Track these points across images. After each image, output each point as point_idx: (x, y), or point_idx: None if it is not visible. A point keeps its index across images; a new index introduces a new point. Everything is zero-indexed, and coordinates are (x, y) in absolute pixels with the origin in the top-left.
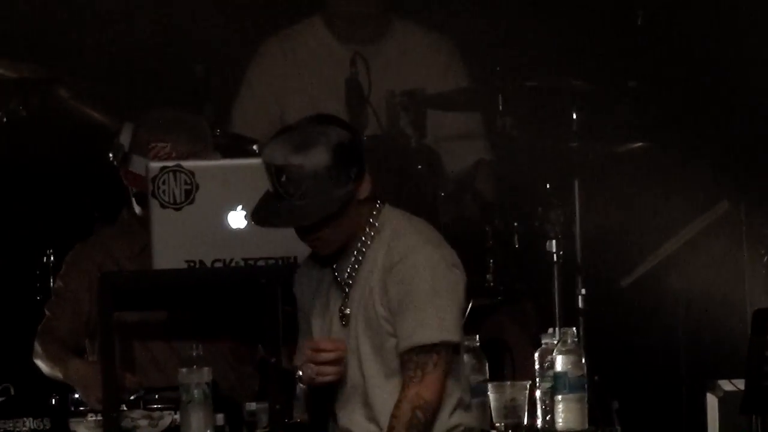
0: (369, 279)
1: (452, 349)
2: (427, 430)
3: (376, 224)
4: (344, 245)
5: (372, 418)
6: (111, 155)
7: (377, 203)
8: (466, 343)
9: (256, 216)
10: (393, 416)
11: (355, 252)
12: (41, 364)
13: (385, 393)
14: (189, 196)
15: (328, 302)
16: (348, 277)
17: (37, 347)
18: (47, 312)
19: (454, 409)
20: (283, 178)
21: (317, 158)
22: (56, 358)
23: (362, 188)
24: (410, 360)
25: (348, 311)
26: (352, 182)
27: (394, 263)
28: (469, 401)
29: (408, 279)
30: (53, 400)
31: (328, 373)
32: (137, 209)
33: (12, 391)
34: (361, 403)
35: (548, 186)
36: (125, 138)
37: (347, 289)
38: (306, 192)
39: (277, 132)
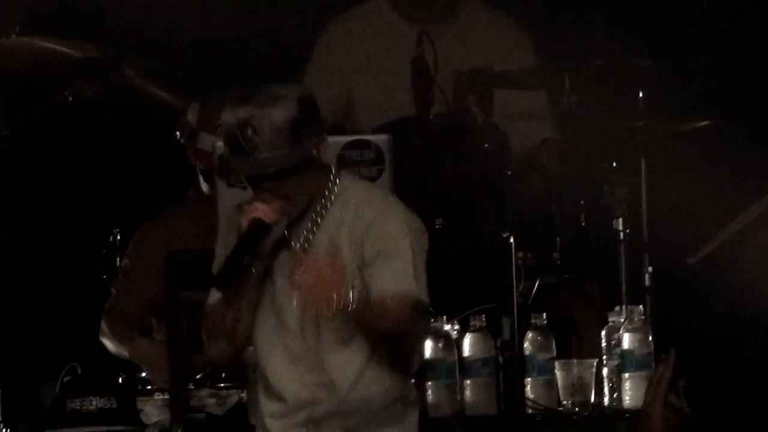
0: (334, 239)
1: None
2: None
3: (336, 188)
4: (300, 208)
5: (324, 385)
6: (178, 133)
7: (333, 168)
8: (533, 321)
9: (219, 171)
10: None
11: (314, 215)
12: (108, 343)
13: (341, 358)
14: None
15: (273, 264)
16: (305, 240)
17: (104, 326)
18: (114, 291)
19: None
20: (249, 131)
21: (282, 111)
22: (123, 337)
23: (322, 149)
24: (383, 313)
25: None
26: (315, 138)
27: (370, 220)
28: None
29: (388, 232)
30: (120, 379)
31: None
32: (204, 187)
33: (79, 370)
34: (314, 369)
35: (615, 164)
36: (192, 116)
37: (310, 236)
38: (270, 145)
39: (232, 95)
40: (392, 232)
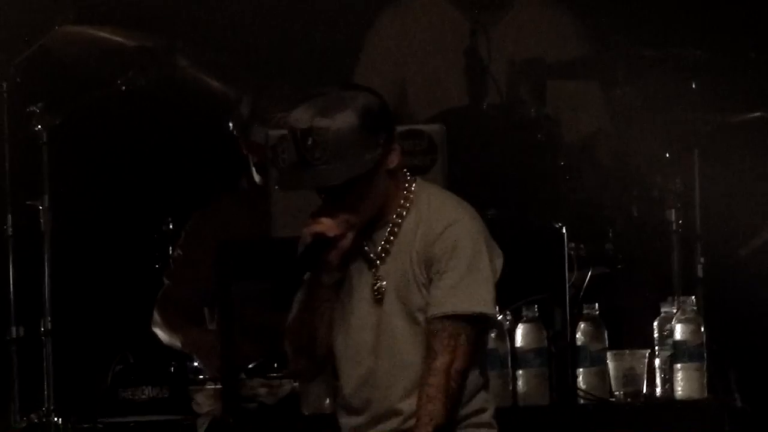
0: (407, 250)
1: (484, 325)
2: (458, 399)
3: (411, 196)
4: (374, 218)
5: (393, 410)
6: (231, 124)
7: (408, 175)
8: (585, 311)
9: (280, 181)
10: (428, 384)
11: (390, 224)
12: (160, 333)
13: (406, 382)
14: None
15: (351, 277)
16: (381, 250)
17: (156, 316)
18: (166, 281)
19: (478, 391)
20: (309, 142)
21: (344, 121)
22: (175, 327)
23: (391, 157)
24: (443, 328)
25: (383, 284)
26: (380, 148)
27: (437, 233)
28: (488, 381)
29: (450, 247)
30: (172, 369)
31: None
32: (257, 178)
33: (131, 360)
34: (399, 380)
35: (667, 155)
36: (245, 107)
37: (378, 263)
38: (332, 156)
39: (301, 98)
40: (451, 246)
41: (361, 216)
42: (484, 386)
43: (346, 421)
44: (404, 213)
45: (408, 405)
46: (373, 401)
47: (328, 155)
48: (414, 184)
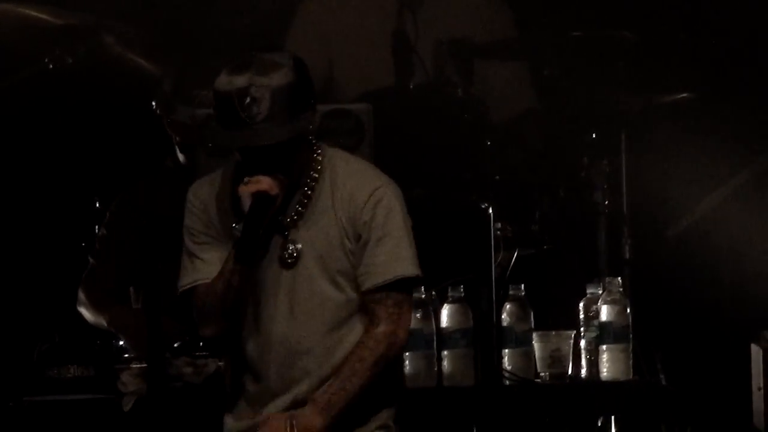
0: (328, 214)
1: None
2: (384, 372)
3: (321, 159)
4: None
5: (307, 372)
6: (154, 104)
7: (314, 141)
8: (511, 292)
9: (213, 140)
10: (362, 347)
11: (304, 189)
12: (85, 312)
13: (327, 344)
14: None
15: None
16: (295, 214)
17: (81, 295)
18: (91, 260)
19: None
20: (247, 101)
21: (282, 78)
22: (100, 306)
23: (315, 121)
24: (387, 297)
25: (296, 248)
26: (312, 109)
27: (362, 200)
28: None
29: (380, 214)
30: (97, 348)
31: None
32: (181, 157)
33: (56, 338)
34: (299, 355)
35: (594, 136)
36: (168, 86)
37: (289, 229)
38: (271, 114)
39: (226, 65)
40: (383, 211)
41: (291, 178)
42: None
43: (252, 388)
44: (316, 176)
45: (323, 370)
46: (284, 367)
47: (267, 112)
48: (320, 149)
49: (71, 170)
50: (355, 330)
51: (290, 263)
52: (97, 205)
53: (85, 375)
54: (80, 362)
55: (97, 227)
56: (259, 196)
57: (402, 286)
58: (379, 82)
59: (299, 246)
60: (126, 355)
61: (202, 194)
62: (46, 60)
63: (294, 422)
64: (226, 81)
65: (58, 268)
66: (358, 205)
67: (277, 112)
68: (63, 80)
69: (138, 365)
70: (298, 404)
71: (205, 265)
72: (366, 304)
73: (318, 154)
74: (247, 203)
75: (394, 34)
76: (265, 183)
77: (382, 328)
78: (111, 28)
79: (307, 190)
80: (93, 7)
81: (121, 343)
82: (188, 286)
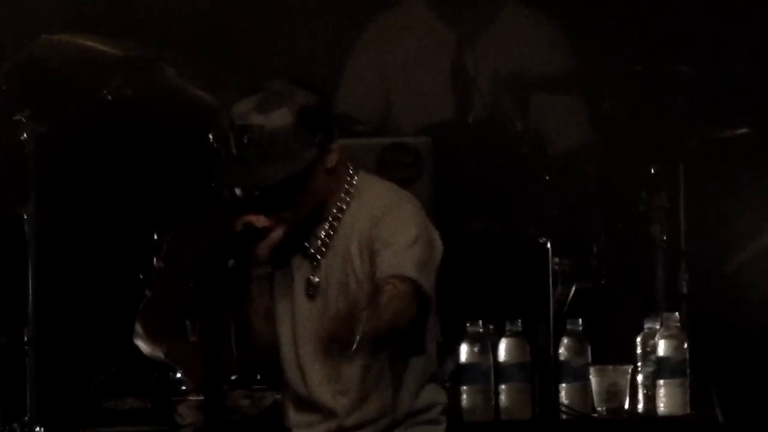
0: (348, 244)
1: (425, 307)
2: (390, 334)
3: (352, 190)
4: (315, 214)
5: (341, 393)
6: (211, 136)
7: (350, 170)
8: (568, 326)
9: (217, 177)
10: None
11: (330, 218)
12: (142, 345)
13: (354, 366)
14: None
15: (290, 271)
16: (321, 244)
17: (138, 328)
18: (148, 293)
19: (426, 383)
20: (245, 140)
21: (279, 119)
22: (157, 339)
23: (330, 157)
24: (390, 284)
25: (317, 280)
26: (316, 148)
27: (377, 216)
28: (439, 375)
29: (392, 227)
30: (154, 379)
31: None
32: (237, 191)
33: (114, 369)
34: (331, 378)
35: (653, 170)
36: (226, 119)
37: (319, 257)
38: (266, 154)
39: (245, 92)
40: (394, 225)
41: (295, 213)
42: (434, 377)
43: (294, 417)
44: (344, 207)
45: (341, 406)
46: (320, 397)
47: (262, 154)
48: (356, 178)
49: (130, 202)
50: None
51: (311, 294)
52: (155, 237)
53: (142, 407)
54: (137, 394)
55: (154, 259)
56: (244, 229)
57: (408, 283)
58: (438, 115)
59: (317, 279)
60: (183, 387)
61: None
62: (105, 92)
63: None
64: (234, 112)
65: (116, 300)
66: (372, 223)
67: (273, 152)
68: (122, 112)
69: (195, 397)
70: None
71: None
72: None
73: (349, 183)
74: (235, 233)
75: (452, 67)
76: (255, 216)
77: (385, 296)
78: (171, 60)
79: (333, 220)
80: (153, 39)
81: (178, 375)
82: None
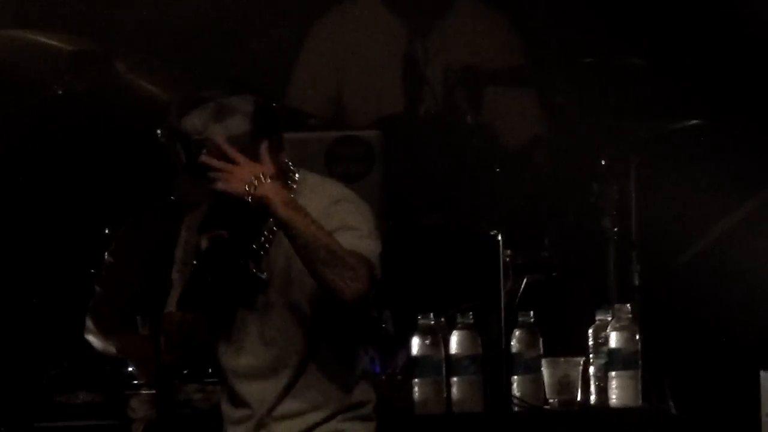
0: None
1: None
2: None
3: (295, 186)
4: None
5: (273, 385)
6: (159, 132)
7: (292, 166)
8: (520, 319)
9: (176, 194)
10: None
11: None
12: (93, 340)
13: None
14: None
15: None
16: (264, 241)
17: (89, 323)
18: (98, 288)
19: (359, 380)
20: (204, 151)
21: (236, 128)
22: (108, 334)
23: (282, 155)
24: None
25: (264, 275)
26: (273, 150)
27: (323, 209)
28: (369, 373)
29: (345, 216)
30: (106, 374)
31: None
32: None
33: (65, 364)
34: (285, 376)
35: (603, 162)
36: (173, 115)
37: (262, 253)
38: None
39: (186, 101)
40: (346, 214)
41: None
42: (365, 376)
43: (231, 414)
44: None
45: (288, 406)
46: (254, 397)
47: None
48: (298, 175)
49: (80, 197)
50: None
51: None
52: (106, 232)
53: (95, 401)
54: (89, 388)
55: (105, 255)
56: (214, 241)
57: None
58: (389, 109)
59: (264, 275)
60: (135, 381)
61: (191, 225)
62: (56, 86)
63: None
64: (183, 120)
65: (68, 295)
66: (320, 215)
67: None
68: (73, 107)
69: (147, 391)
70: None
71: (175, 295)
72: None
73: (291, 179)
74: (202, 248)
75: (403, 61)
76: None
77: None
78: (122, 56)
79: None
80: (103, 35)
81: (130, 369)
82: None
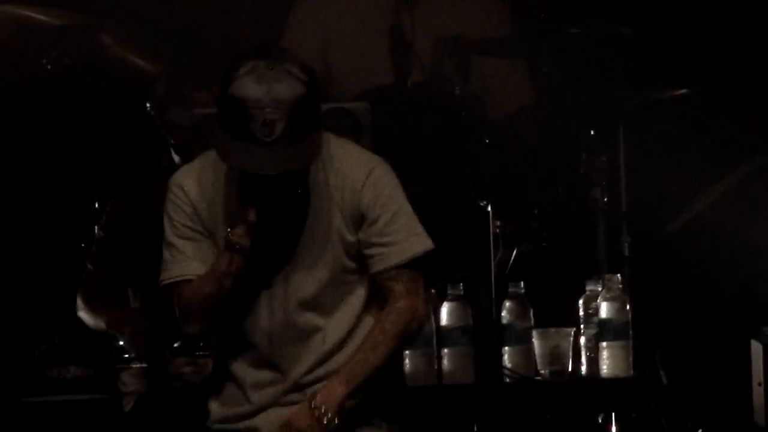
0: (327, 207)
1: None
2: (401, 348)
3: (326, 157)
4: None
5: (304, 354)
6: (148, 105)
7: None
8: (510, 290)
9: (239, 162)
10: (384, 320)
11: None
12: (84, 317)
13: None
14: None
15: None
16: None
17: (80, 301)
18: (89, 264)
19: None
20: (264, 119)
21: (298, 95)
22: (99, 310)
23: (320, 131)
24: (401, 273)
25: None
26: (321, 122)
27: (360, 183)
28: None
29: (380, 194)
30: (97, 348)
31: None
32: (176, 158)
33: (56, 339)
34: (319, 353)
35: (592, 132)
36: (161, 86)
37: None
38: (285, 133)
39: (233, 66)
40: (383, 190)
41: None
42: None
43: (253, 376)
44: (318, 172)
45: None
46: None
47: (282, 132)
48: (326, 152)
49: (69, 171)
50: (355, 311)
51: (288, 253)
52: (96, 206)
53: (85, 375)
54: (80, 362)
55: (96, 228)
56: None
57: (414, 262)
58: (377, 80)
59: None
60: (126, 355)
61: (188, 186)
62: (44, 61)
63: (315, 401)
64: (242, 87)
65: (58, 269)
66: (356, 187)
67: (292, 131)
68: (61, 81)
69: (138, 365)
70: (297, 388)
71: (188, 261)
72: (379, 282)
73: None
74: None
75: (391, 31)
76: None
77: (402, 303)
78: (109, 29)
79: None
80: (91, 8)
81: (121, 342)
82: (169, 281)
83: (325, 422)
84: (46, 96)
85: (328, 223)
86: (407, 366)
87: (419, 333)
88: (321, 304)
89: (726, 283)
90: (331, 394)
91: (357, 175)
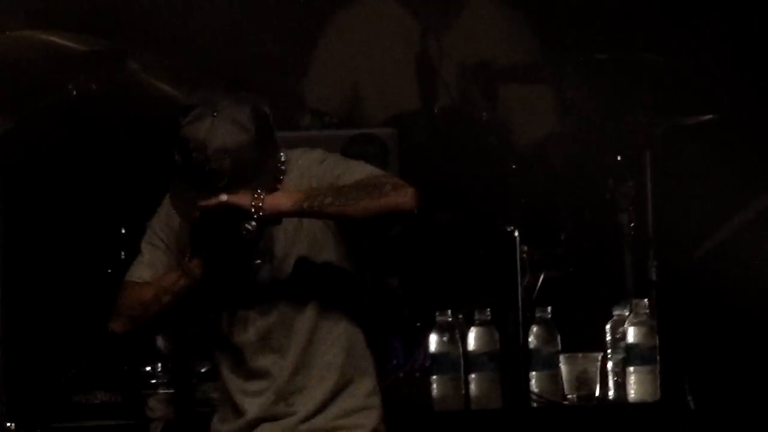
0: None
1: None
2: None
3: (289, 164)
4: None
5: (282, 357)
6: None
7: (281, 158)
8: (538, 315)
9: (178, 209)
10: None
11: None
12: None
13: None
14: None
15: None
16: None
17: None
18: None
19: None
20: (207, 169)
21: (242, 134)
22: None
23: (276, 158)
24: (378, 178)
25: (277, 254)
26: (275, 152)
27: (315, 171)
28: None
29: (339, 162)
30: (124, 373)
31: None
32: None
33: (83, 364)
34: (297, 346)
35: (619, 158)
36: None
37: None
38: (233, 176)
39: (186, 108)
40: (335, 165)
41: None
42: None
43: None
44: (282, 177)
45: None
46: (270, 369)
47: (230, 175)
48: (285, 155)
49: (97, 197)
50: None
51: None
52: (123, 231)
53: (113, 401)
54: (107, 388)
55: (122, 253)
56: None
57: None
58: (404, 107)
59: (277, 242)
60: (153, 381)
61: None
62: (70, 87)
63: (261, 193)
64: (186, 134)
65: (85, 295)
66: (314, 175)
67: (240, 171)
68: (87, 107)
69: (165, 390)
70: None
71: (143, 267)
72: None
73: (281, 163)
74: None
75: (418, 58)
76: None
77: (389, 187)
78: (136, 55)
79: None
80: (118, 34)
81: (148, 368)
82: (126, 280)
83: (259, 204)
84: (72, 121)
85: (297, 225)
86: (435, 391)
87: (400, 217)
88: (294, 307)
89: (754, 307)
90: (275, 200)
91: (311, 166)
